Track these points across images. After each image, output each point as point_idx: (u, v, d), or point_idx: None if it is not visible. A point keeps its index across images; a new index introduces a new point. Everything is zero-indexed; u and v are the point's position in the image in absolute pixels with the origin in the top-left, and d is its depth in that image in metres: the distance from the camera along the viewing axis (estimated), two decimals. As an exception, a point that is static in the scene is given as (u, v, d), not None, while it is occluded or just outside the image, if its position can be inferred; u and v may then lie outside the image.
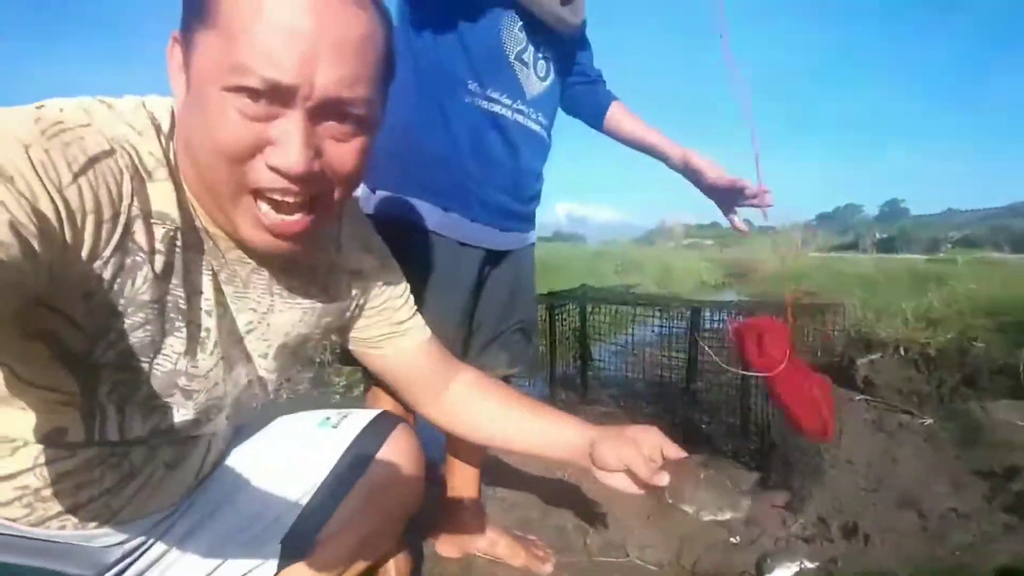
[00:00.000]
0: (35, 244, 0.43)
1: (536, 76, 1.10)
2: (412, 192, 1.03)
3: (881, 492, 1.69)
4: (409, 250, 1.00)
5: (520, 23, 1.03)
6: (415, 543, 1.26)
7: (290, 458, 0.86)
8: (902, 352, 2.71)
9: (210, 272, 0.63)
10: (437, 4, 1.00)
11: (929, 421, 2.21)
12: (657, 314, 2.24)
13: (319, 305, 0.75)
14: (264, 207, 0.57)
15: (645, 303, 2.29)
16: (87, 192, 0.49)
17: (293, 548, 0.82)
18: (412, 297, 0.88)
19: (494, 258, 1.14)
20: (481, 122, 1.04)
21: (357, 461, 0.85)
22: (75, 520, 0.66)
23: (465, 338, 1.14)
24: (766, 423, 1.77)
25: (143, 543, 0.75)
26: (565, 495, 1.65)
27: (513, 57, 1.04)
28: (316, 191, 0.59)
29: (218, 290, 0.64)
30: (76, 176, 0.48)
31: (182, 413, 0.67)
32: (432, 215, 1.04)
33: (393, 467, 0.87)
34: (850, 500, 1.63)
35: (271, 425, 0.92)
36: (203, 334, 0.64)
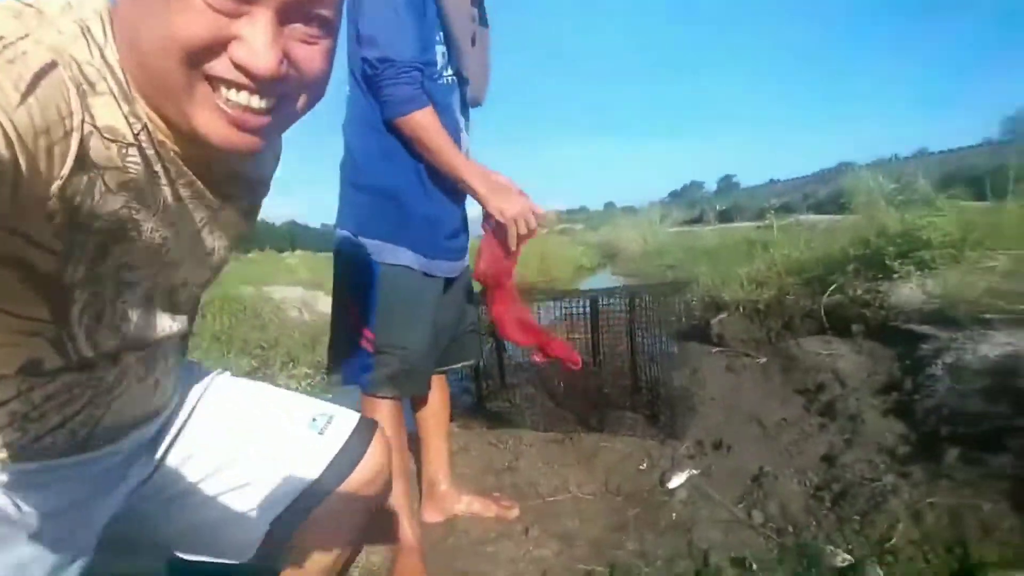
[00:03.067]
0: None
1: (466, 137, 1.44)
2: (397, 240, 1.33)
3: (734, 415, 2.27)
4: (391, 282, 1.33)
5: (460, 95, 1.37)
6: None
7: (279, 457, 0.88)
8: (741, 310, 3.44)
9: (165, 183, 0.61)
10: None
11: (763, 359, 2.90)
12: (556, 303, 2.66)
13: (249, 211, 0.77)
14: (225, 92, 0.54)
15: (549, 296, 2.71)
16: (36, 112, 0.46)
17: (275, 536, 0.87)
18: None
19: (451, 280, 1.47)
20: (452, 183, 1.35)
21: (340, 469, 0.89)
22: (64, 433, 0.68)
23: (434, 342, 1.46)
24: (654, 382, 2.27)
25: (139, 477, 0.82)
26: (508, 460, 2.02)
27: (462, 127, 1.38)
28: (281, 93, 0.57)
29: (176, 199, 0.63)
30: (24, 96, 0.45)
31: (149, 321, 0.68)
32: (408, 257, 1.35)
33: (370, 476, 0.91)
34: (715, 425, 2.18)
35: (259, 398, 0.94)
36: (160, 241, 0.63)
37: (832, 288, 3.11)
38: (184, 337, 0.84)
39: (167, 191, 0.62)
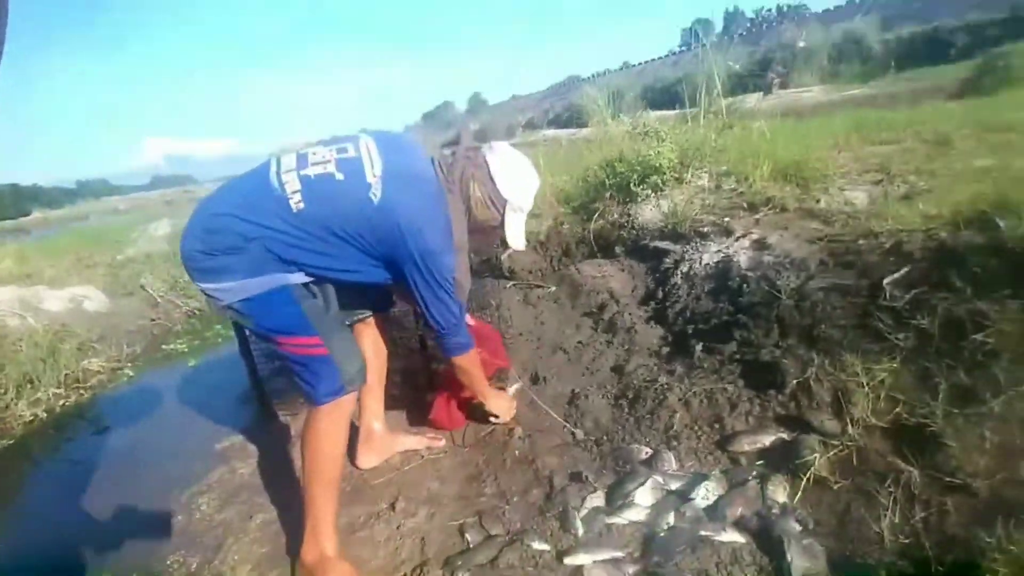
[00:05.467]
0: None
1: None
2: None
3: (542, 347, 2.62)
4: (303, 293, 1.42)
5: None
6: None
7: None
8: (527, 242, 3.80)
9: None
10: None
11: (552, 288, 3.32)
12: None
13: None
14: None
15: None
16: None
17: None
18: None
19: None
20: None
21: None
22: None
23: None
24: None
25: None
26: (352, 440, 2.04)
27: None
28: None
29: None
30: None
31: None
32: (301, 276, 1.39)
33: None
34: (529, 358, 2.49)
35: None
36: None
37: (596, 215, 3.64)
38: None
39: None
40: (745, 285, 2.25)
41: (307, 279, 1.40)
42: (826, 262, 2.11)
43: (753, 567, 1.21)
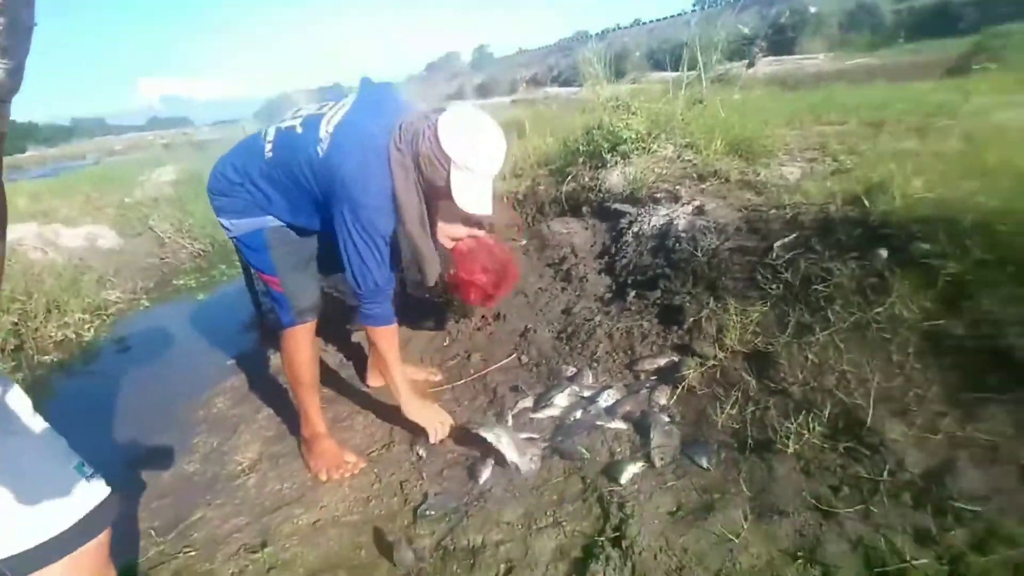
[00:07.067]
0: None
1: None
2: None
3: (516, 294, 3.03)
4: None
5: None
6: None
7: (35, 489, 0.82)
8: (505, 200, 4.17)
9: None
10: None
11: (524, 241, 3.72)
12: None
13: None
14: None
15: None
16: None
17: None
18: None
19: None
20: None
21: (90, 525, 0.87)
22: None
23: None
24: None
25: None
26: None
27: None
28: None
29: None
30: None
31: None
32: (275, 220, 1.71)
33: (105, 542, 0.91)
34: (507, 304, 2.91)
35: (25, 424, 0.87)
36: None
37: (569, 177, 4.00)
38: None
39: None
40: (677, 244, 2.65)
41: (280, 223, 1.69)
42: (741, 228, 2.50)
43: (628, 444, 1.66)
